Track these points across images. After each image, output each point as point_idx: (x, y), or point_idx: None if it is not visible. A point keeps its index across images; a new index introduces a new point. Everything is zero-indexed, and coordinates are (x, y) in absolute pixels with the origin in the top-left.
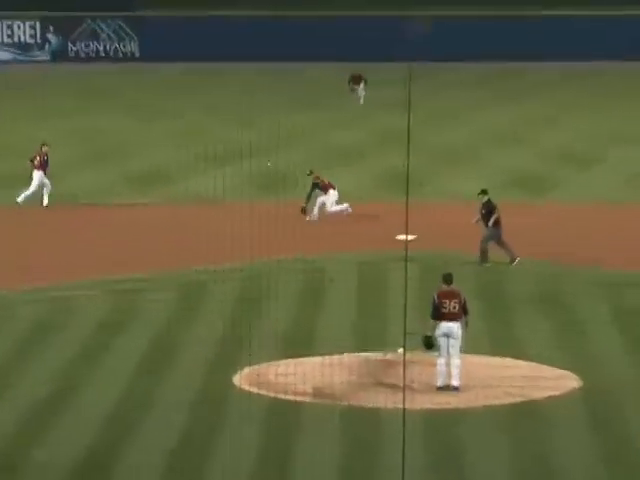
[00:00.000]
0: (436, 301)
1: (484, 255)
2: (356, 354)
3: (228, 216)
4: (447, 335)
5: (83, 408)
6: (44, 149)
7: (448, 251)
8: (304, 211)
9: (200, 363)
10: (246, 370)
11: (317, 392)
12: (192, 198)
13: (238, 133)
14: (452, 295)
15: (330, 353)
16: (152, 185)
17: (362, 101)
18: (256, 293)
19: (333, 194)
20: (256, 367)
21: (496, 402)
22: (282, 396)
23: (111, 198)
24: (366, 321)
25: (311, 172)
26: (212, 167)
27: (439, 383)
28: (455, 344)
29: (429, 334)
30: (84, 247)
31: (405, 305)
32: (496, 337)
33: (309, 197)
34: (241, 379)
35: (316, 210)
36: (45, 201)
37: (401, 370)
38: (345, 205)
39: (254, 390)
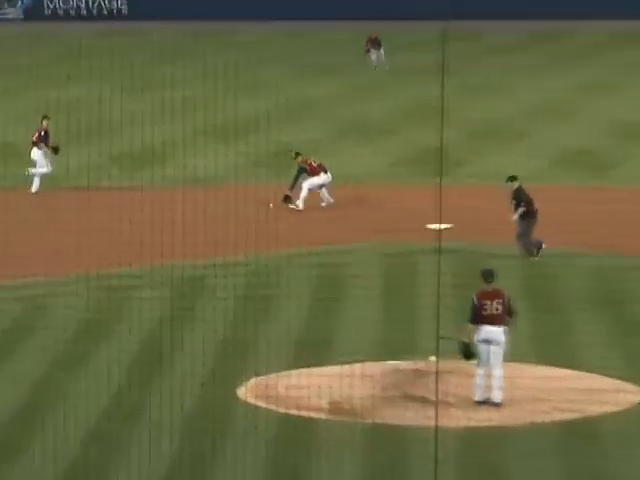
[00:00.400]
0: (475, 302)
1: (528, 250)
2: (380, 363)
3: (230, 201)
4: (488, 341)
5: (61, 424)
6: (44, 123)
7: (488, 243)
8: (287, 200)
9: (198, 372)
10: (252, 381)
11: (335, 407)
12: (189, 180)
13: (241, 105)
14: (494, 295)
15: (350, 362)
16: (143, 165)
17: (375, 67)
18: (263, 291)
19: (324, 178)
20: (264, 378)
21: (544, 419)
22: (294, 412)
23: (96, 181)
24: (392, 324)
25: (297, 155)
26: (212, 144)
27: (478, 397)
28: (497, 352)
29: (467, 341)
30: (65, 237)
31: (438, 305)
32: (545, 343)
33: (294, 183)
34: (246, 391)
35: (302, 197)
36: (35, 186)
37: (433, 381)
38: (326, 196)
39: (261, 404)
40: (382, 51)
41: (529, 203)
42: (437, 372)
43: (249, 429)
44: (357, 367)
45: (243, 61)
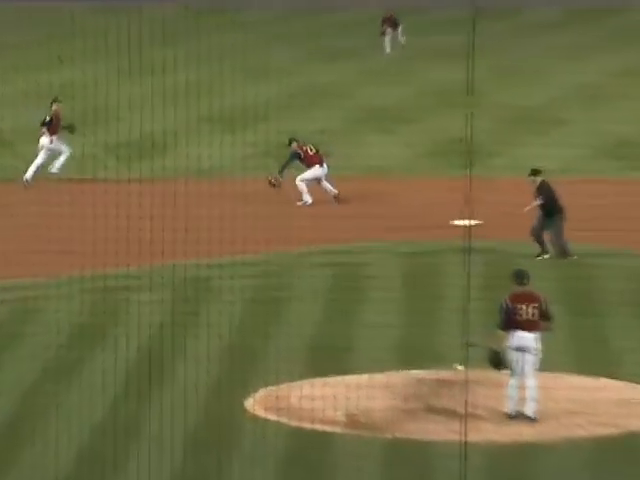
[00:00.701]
0: (508, 306)
1: (562, 251)
2: (402, 372)
3: (238, 195)
4: (521, 349)
5: (53, 438)
6: (54, 107)
7: (521, 241)
8: (273, 184)
9: (203, 382)
10: (261, 391)
11: (352, 421)
12: (192, 172)
13: (250, 91)
14: (528, 298)
15: (368, 370)
16: (142, 156)
17: (388, 51)
18: (274, 293)
19: (318, 171)
20: (274, 388)
21: (582, 434)
22: (307, 425)
23: (90, 172)
24: (414, 329)
25: (292, 141)
26: (217, 133)
27: (509, 410)
28: (531, 360)
29: (497, 348)
30: (57, 234)
31: (466, 309)
32: (582, 350)
33: (284, 169)
34: (255, 403)
35: (304, 191)
36: (29, 174)
37: (460, 393)
38: (329, 188)
39: (272, 417)
40: (400, 31)
41: (553, 199)
42: (465, 382)
43: (258, 444)
44: (376, 376)
45: (251, 42)
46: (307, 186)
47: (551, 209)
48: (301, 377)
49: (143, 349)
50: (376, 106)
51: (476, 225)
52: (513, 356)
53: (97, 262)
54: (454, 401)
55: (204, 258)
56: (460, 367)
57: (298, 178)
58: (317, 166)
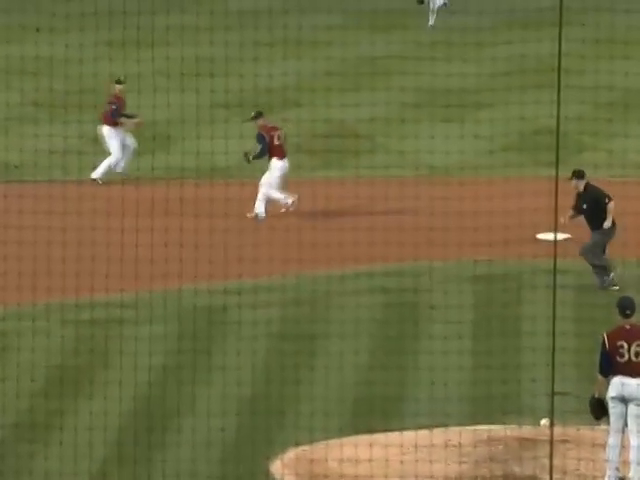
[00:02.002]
0: (606, 344)
1: (600, 273)
2: (471, 428)
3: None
4: (624, 399)
5: None
6: (116, 89)
7: (625, 260)
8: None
9: (217, 442)
10: (291, 452)
11: None
12: (204, 171)
13: (277, 68)
14: (633, 334)
15: (427, 426)
16: (140, 151)
17: (433, 22)
18: (307, 327)
19: (282, 166)
20: (307, 448)
21: None
22: None
23: (76, 172)
24: (487, 374)
25: (258, 115)
26: (235, 123)
27: (609, 476)
28: (636, 414)
29: (600, 396)
30: (32, 251)
31: (553, 347)
32: None
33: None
34: (283, 467)
35: (261, 203)
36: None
37: (546, 455)
38: (283, 196)
39: None
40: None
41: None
42: (551, 441)
43: None
44: (438, 433)
45: (279, 8)
46: (274, 187)
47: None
48: (342, 435)
49: (140, 399)
50: (437, 88)
51: (565, 240)
52: (613, 408)
53: (82, 286)
54: (538, 466)
55: (218, 281)
56: (545, 422)
57: (263, 187)
58: (275, 159)
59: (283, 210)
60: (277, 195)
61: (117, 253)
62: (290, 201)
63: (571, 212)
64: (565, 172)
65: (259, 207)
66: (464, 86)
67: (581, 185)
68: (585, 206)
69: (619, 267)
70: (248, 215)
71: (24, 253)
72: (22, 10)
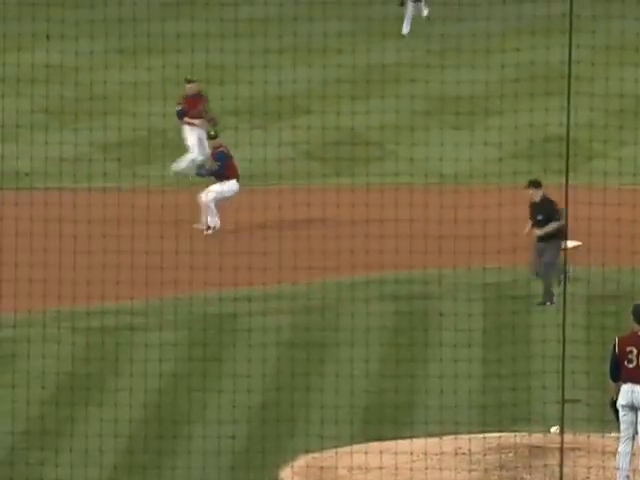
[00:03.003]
0: (616, 348)
1: (547, 291)
2: (481, 436)
3: (271, 208)
4: (633, 407)
5: None
6: (186, 88)
7: (634, 268)
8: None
9: (227, 449)
10: (301, 460)
11: None
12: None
13: (286, 76)
14: None
15: (437, 433)
16: (150, 158)
17: (407, 29)
18: (316, 334)
19: (234, 188)
20: (317, 456)
21: None
22: None
23: (84, 179)
24: (496, 381)
25: (215, 135)
26: (245, 130)
27: None
28: None
29: (616, 399)
30: (41, 258)
31: (563, 354)
32: None
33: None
34: (293, 475)
35: (210, 214)
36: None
37: (556, 461)
38: (217, 216)
39: None
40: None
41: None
42: (562, 449)
43: None
44: (448, 441)
45: (289, 15)
46: (217, 202)
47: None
48: (352, 442)
49: (151, 407)
50: (446, 95)
51: (576, 247)
52: (623, 416)
53: (93, 294)
54: (548, 473)
55: (229, 289)
56: (555, 429)
57: (212, 193)
58: (236, 184)
59: (202, 228)
60: (214, 211)
61: (127, 260)
62: (217, 224)
63: (530, 222)
64: (575, 180)
65: (212, 219)
66: (473, 93)
67: (537, 195)
68: (540, 217)
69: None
70: (195, 226)
71: (35, 260)
72: (33, 18)
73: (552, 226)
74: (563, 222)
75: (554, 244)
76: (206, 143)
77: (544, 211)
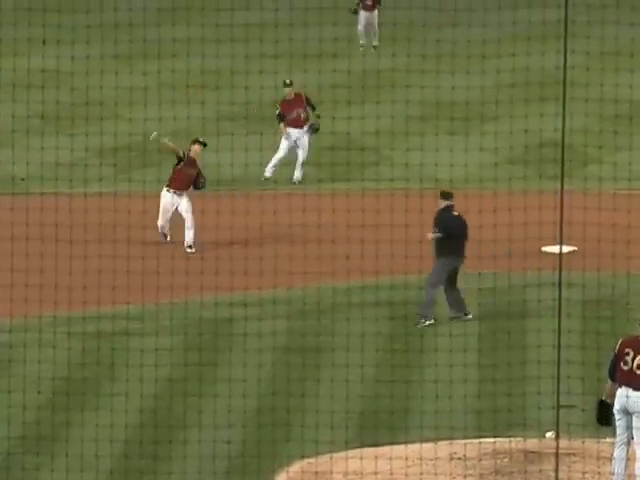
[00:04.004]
0: (617, 348)
1: (457, 305)
2: (477, 441)
3: (267, 213)
4: (627, 412)
5: None
6: (285, 92)
7: (630, 273)
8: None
9: (222, 454)
10: (296, 465)
11: None
12: (209, 183)
13: (274, 83)
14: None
15: (432, 439)
16: (145, 163)
17: (362, 44)
18: (312, 339)
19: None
20: (312, 461)
21: None
22: None
23: (80, 184)
24: (492, 386)
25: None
26: (240, 135)
27: None
28: (638, 426)
29: (607, 400)
30: (36, 263)
31: (558, 360)
32: None
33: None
34: None
35: (162, 222)
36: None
37: (551, 467)
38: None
39: None
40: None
41: (451, 228)
42: (557, 454)
43: None
44: (444, 446)
45: (285, 20)
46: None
47: (450, 245)
48: (347, 447)
49: (147, 411)
50: (442, 100)
51: (570, 253)
52: (617, 420)
53: (89, 299)
54: (543, 479)
55: (224, 293)
56: (550, 434)
57: (189, 209)
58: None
59: (164, 238)
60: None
61: (124, 265)
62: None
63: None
64: (570, 185)
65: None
66: (469, 99)
67: (443, 204)
68: (437, 230)
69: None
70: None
71: (31, 265)
72: (29, 23)
73: (429, 235)
74: (441, 235)
75: (437, 262)
76: (299, 151)
77: (443, 225)
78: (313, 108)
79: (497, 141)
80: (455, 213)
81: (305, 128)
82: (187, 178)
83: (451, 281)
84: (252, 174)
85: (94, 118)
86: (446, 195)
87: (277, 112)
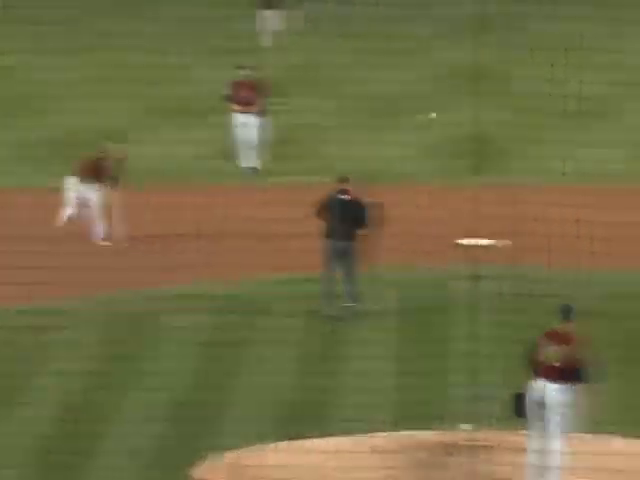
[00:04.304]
0: (533, 344)
1: (327, 299)
2: (396, 434)
3: (200, 207)
4: (542, 403)
5: None
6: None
7: (555, 267)
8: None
9: (142, 448)
10: (217, 458)
11: None
12: (141, 174)
13: (222, 74)
14: (558, 337)
15: (355, 431)
16: (61, 158)
17: (269, 42)
18: (238, 333)
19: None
20: (233, 453)
21: None
22: None
23: (19, 179)
24: (411, 379)
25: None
26: (167, 126)
27: None
28: (553, 418)
29: (523, 391)
30: None
31: (475, 352)
32: (634, 407)
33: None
34: (208, 472)
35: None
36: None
37: (470, 459)
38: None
39: None
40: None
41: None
42: (473, 446)
43: None
44: (363, 439)
45: (222, 14)
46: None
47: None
48: (268, 440)
49: (63, 406)
50: (366, 94)
51: (489, 246)
52: (531, 412)
53: (8, 294)
54: (462, 471)
55: (150, 287)
56: (468, 427)
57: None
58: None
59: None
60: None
61: (45, 260)
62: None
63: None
64: (489, 179)
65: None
66: (390, 93)
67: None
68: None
69: None
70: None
71: None
72: None
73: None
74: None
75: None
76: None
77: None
78: (266, 96)
79: (416, 135)
80: (343, 196)
81: (254, 114)
82: (100, 169)
83: (344, 268)
84: (180, 167)
85: (36, 111)
86: (340, 179)
87: (225, 93)
